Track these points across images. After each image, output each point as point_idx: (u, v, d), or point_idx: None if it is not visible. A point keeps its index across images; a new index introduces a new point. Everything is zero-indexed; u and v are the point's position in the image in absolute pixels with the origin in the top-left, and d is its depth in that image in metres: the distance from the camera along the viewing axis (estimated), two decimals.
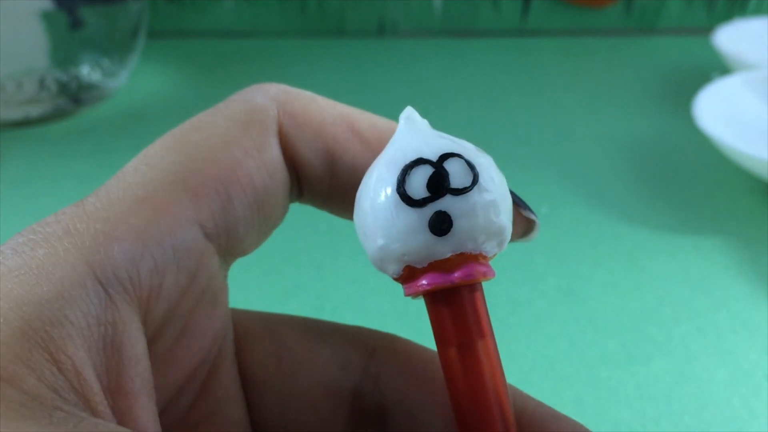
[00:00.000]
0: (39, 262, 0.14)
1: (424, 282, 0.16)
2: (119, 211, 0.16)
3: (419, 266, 0.16)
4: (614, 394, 0.31)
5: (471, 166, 0.16)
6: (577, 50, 0.69)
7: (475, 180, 0.16)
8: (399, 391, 0.19)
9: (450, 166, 0.16)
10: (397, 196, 0.16)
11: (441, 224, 0.16)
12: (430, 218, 0.16)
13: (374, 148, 0.19)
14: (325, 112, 0.18)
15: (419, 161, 0.16)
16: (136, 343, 0.15)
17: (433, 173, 0.16)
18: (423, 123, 0.17)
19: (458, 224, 0.16)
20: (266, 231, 0.18)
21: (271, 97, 0.18)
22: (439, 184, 0.16)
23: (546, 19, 0.72)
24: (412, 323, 0.34)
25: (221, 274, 0.18)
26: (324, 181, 0.18)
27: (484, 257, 0.17)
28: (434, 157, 0.16)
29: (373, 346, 0.20)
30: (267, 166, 0.17)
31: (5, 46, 0.50)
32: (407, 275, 0.17)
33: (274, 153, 0.18)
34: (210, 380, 0.19)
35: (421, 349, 0.20)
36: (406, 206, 0.16)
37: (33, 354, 0.13)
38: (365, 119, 0.19)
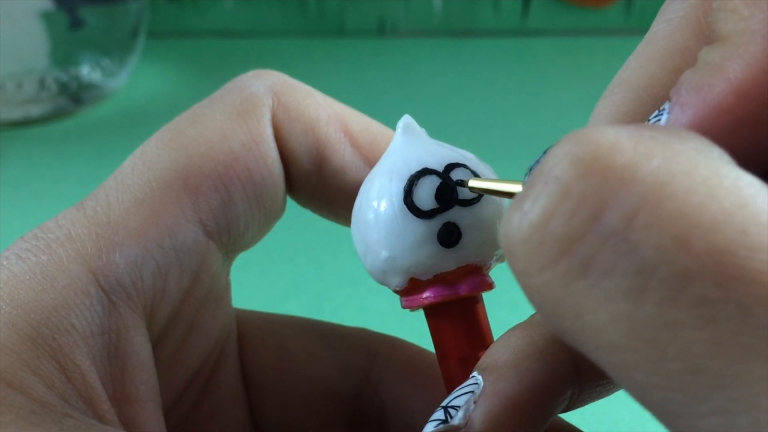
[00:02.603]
0: (43, 268, 0.14)
1: (429, 294, 0.16)
2: (119, 215, 0.15)
3: (424, 278, 0.16)
4: (614, 394, 0.31)
5: (477, 176, 0.16)
6: (577, 50, 0.69)
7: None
8: (399, 397, 0.19)
9: (456, 176, 0.16)
10: (404, 207, 0.16)
11: (450, 236, 0.16)
12: (439, 230, 0.16)
13: (365, 152, 0.18)
14: (320, 109, 0.18)
15: (425, 171, 0.16)
16: (140, 350, 0.15)
17: (441, 184, 0.16)
18: (421, 132, 0.17)
19: (467, 236, 0.16)
20: (267, 224, 0.18)
21: (268, 86, 0.18)
22: (448, 195, 0.16)
23: (546, 19, 0.72)
24: (412, 323, 0.34)
25: (224, 271, 0.18)
26: (310, 179, 0.18)
27: (487, 268, 0.17)
28: (440, 168, 0.16)
29: (374, 351, 0.20)
30: (265, 158, 0.17)
31: (5, 46, 0.50)
32: (411, 287, 0.16)
33: (271, 145, 0.17)
34: (213, 379, 0.19)
35: (422, 354, 0.20)
36: (414, 217, 0.16)
37: (42, 362, 0.13)
38: (360, 122, 0.19)
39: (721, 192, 0.09)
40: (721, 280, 0.09)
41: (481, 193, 0.16)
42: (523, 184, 0.14)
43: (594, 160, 0.10)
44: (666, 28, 0.14)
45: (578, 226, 0.10)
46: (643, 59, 0.14)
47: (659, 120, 0.13)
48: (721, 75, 0.12)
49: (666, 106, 0.13)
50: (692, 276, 0.09)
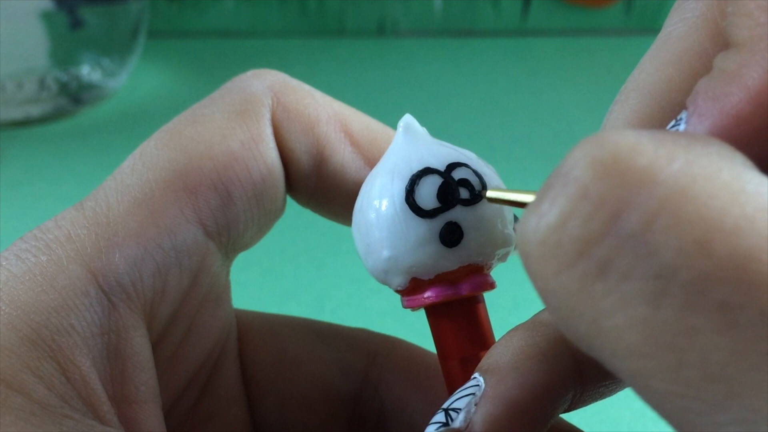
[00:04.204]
0: (42, 269, 0.14)
1: (430, 294, 0.16)
2: (118, 215, 0.15)
3: (425, 278, 0.16)
4: (615, 394, 0.31)
5: (479, 175, 0.16)
6: (577, 50, 0.69)
7: (484, 190, 0.16)
8: (400, 398, 0.19)
9: (458, 176, 0.16)
10: (406, 206, 0.16)
11: (452, 235, 0.16)
12: (441, 229, 0.16)
13: (365, 152, 0.18)
14: (320, 109, 0.18)
15: (427, 171, 0.16)
16: (140, 351, 0.15)
17: (443, 183, 0.16)
18: (423, 131, 0.17)
19: (468, 235, 0.16)
20: (267, 224, 0.18)
21: (267, 86, 0.18)
22: (450, 195, 0.16)
23: (546, 19, 0.72)
24: (412, 323, 0.34)
25: (223, 271, 0.18)
26: (310, 179, 0.18)
27: (488, 268, 0.17)
28: (442, 167, 0.16)
29: (374, 351, 0.20)
30: (264, 158, 0.17)
31: (5, 46, 0.50)
32: (412, 287, 0.16)
33: (271, 144, 0.17)
34: (213, 379, 0.19)
35: (423, 355, 0.20)
36: (416, 217, 0.16)
37: (42, 363, 0.13)
38: (359, 121, 0.19)
39: (743, 197, 0.09)
40: (742, 285, 0.09)
41: (499, 203, 0.16)
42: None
43: (614, 162, 0.10)
44: (681, 29, 0.14)
45: (597, 228, 0.10)
46: (658, 62, 0.14)
47: (677, 130, 0.13)
48: (738, 83, 0.12)
49: (683, 115, 0.13)
50: (713, 281, 0.09)
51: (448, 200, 0.16)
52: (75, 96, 0.54)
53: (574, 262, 0.10)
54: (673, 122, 0.13)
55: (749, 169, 0.10)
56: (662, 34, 0.14)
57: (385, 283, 0.17)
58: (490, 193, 0.16)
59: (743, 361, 0.09)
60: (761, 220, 0.09)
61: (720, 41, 0.13)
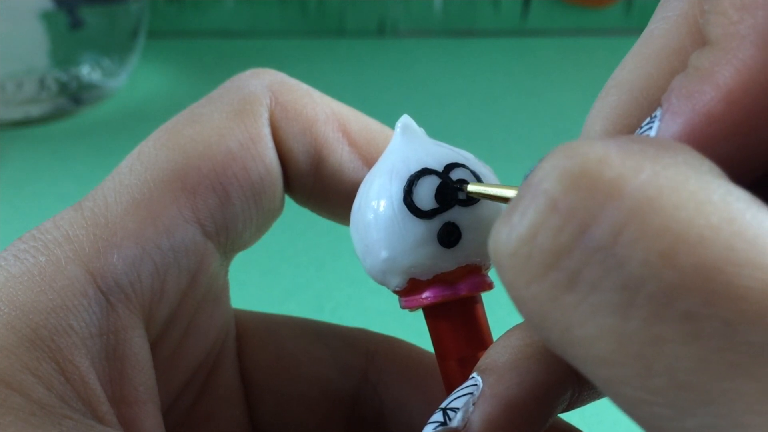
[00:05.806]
0: (41, 269, 0.14)
1: (428, 294, 0.16)
2: (117, 215, 0.15)
3: (424, 278, 0.16)
4: None
5: (476, 176, 0.16)
6: (577, 50, 0.69)
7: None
8: (398, 397, 0.19)
9: (456, 176, 0.16)
10: (404, 207, 0.16)
11: (450, 236, 0.16)
12: (439, 230, 0.16)
13: (363, 151, 0.18)
14: (318, 109, 0.18)
15: (425, 171, 0.16)
16: (139, 351, 0.15)
17: (442, 184, 0.16)
18: (420, 132, 0.17)
19: (466, 236, 0.16)
20: (265, 223, 0.18)
21: (265, 85, 0.18)
22: (448, 195, 0.16)
23: (546, 19, 0.72)
24: (411, 323, 0.34)
25: (222, 271, 0.18)
26: (308, 179, 0.18)
27: (486, 268, 0.17)
28: (440, 168, 0.16)
29: (373, 351, 0.20)
30: (262, 157, 0.17)
31: (5, 46, 0.50)
32: (410, 288, 0.16)
33: (269, 144, 0.17)
34: (211, 379, 0.19)
35: (421, 354, 0.20)
36: (414, 217, 0.16)
37: (41, 363, 0.13)
38: (358, 121, 0.19)
39: (708, 207, 0.09)
40: (707, 296, 0.09)
41: (480, 198, 0.16)
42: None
43: (582, 174, 0.10)
44: (662, 27, 0.14)
45: (565, 241, 0.10)
46: (639, 59, 0.14)
47: (651, 127, 0.13)
48: (711, 81, 0.12)
49: (658, 112, 0.13)
50: (678, 292, 0.09)
51: (446, 201, 0.16)
52: (75, 96, 0.54)
53: (544, 273, 0.10)
54: (648, 119, 0.13)
55: (716, 178, 0.10)
56: (645, 33, 0.15)
57: (383, 283, 0.17)
58: (471, 187, 0.16)
59: (709, 370, 0.09)
60: (725, 230, 0.09)
61: (699, 39, 0.13)
